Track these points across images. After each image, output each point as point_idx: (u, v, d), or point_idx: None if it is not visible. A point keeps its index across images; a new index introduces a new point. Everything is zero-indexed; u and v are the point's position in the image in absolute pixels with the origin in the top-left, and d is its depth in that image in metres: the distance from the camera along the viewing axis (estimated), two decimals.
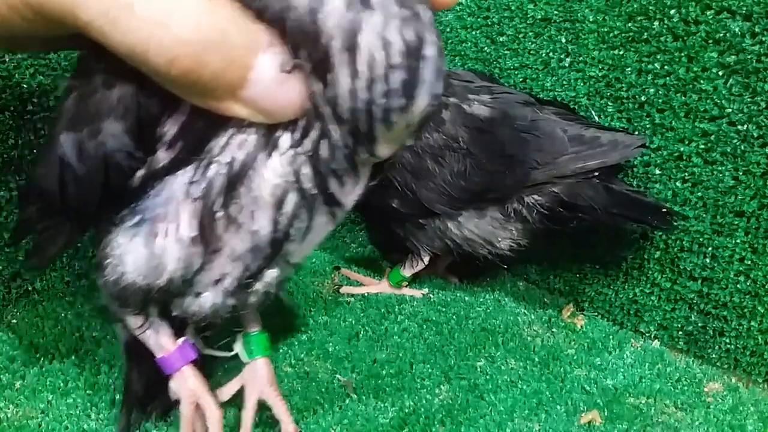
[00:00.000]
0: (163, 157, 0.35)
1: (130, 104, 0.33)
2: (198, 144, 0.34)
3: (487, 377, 0.57)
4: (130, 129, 0.33)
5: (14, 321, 0.58)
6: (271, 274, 0.40)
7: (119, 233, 0.38)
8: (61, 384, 0.50)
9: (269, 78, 0.30)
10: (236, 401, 0.47)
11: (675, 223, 0.63)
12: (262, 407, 0.47)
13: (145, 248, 0.37)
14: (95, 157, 0.34)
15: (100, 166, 0.34)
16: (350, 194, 0.38)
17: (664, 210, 0.62)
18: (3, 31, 0.31)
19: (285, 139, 0.33)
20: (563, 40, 0.69)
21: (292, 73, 0.30)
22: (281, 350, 0.58)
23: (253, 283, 0.40)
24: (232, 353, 0.47)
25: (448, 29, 0.79)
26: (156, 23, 0.27)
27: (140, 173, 0.35)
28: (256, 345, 0.47)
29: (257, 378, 0.46)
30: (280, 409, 0.46)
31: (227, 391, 0.47)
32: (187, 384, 0.43)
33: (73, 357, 0.53)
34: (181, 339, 0.44)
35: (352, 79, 0.30)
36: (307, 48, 0.30)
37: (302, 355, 0.58)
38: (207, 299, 0.39)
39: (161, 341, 0.43)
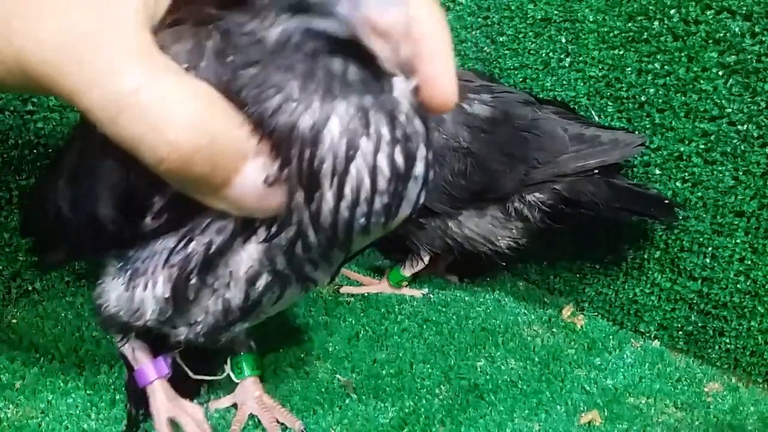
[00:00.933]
0: (149, 223, 0.36)
1: (121, 177, 0.34)
2: (182, 218, 0.35)
3: (487, 377, 0.57)
4: (118, 200, 0.35)
5: (14, 321, 0.58)
6: (241, 326, 0.42)
7: (108, 267, 0.41)
8: (61, 384, 0.50)
9: (251, 185, 0.30)
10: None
11: (678, 217, 0.63)
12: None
13: (126, 292, 0.40)
14: (86, 214, 0.36)
15: (90, 222, 0.36)
16: (324, 274, 0.40)
17: (667, 201, 0.62)
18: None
19: (262, 231, 0.34)
20: (563, 40, 0.69)
21: (275, 184, 0.30)
22: (281, 350, 0.58)
23: (223, 332, 0.42)
24: (223, 375, 0.49)
25: None
26: (152, 126, 0.27)
27: (128, 232, 0.37)
28: (245, 365, 0.49)
29: (247, 395, 0.49)
30: (269, 418, 0.48)
31: (218, 405, 0.49)
32: (155, 398, 0.45)
33: (73, 357, 0.53)
34: (161, 357, 0.46)
35: (336, 201, 0.31)
36: (297, 165, 0.30)
37: (302, 355, 0.58)
38: (181, 332, 0.42)
39: (137, 356, 0.46)
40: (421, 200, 0.33)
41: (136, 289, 0.39)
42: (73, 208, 0.37)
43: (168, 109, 0.27)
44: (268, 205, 0.31)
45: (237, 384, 0.49)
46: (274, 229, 0.33)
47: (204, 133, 0.28)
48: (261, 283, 0.37)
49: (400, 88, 0.31)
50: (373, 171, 0.30)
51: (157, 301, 0.39)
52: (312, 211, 0.31)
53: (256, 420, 0.49)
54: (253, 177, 0.30)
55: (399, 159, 0.31)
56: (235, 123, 0.29)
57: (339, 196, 0.30)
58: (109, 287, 0.42)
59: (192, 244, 0.36)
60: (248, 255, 0.35)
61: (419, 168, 0.32)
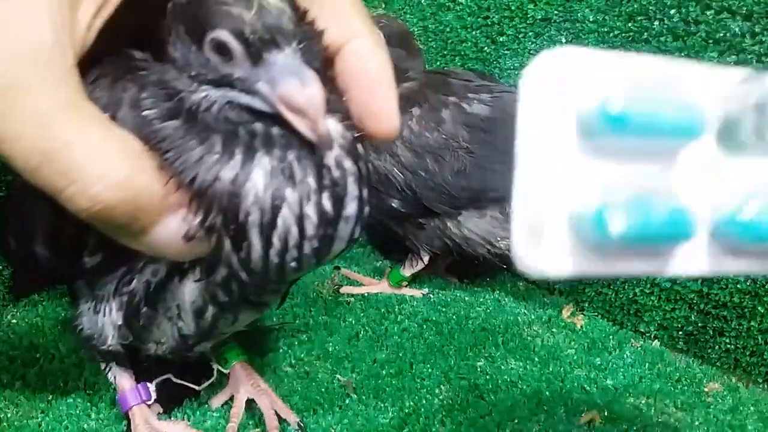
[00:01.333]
0: (88, 261, 0.37)
1: (50, 218, 0.35)
2: (118, 258, 0.36)
3: (487, 377, 0.57)
4: (47, 240, 0.36)
5: (14, 321, 0.58)
6: (204, 346, 0.44)
7: (83, 289, 0.42)
8: (61, 384, 0.50)
9: (171, 235, 0.30)
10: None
11: None
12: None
13: (94, 315, 0.41)
14: (27, 250, 0.37)
15: (32, 258, 0.37)
16: (272, 296, 0.41)
17: None
18: None
19: (194, 271, 0.35)
20: (563, 40, 0.69)
21: (195, 236, 0.30)
22: (281, 350, 0.58)
23: (187, 352, 0.43)
24: (216, 374, 0.50)
25: (448, 29, 0.79)
26: (76, 180, 0.26)
27: (68, 269, 0.38)
28: (229, 354, 0.50)
29: (240, 381, 0.50)
30: (266, 403, 0.48)
31: (217, 402, 0.50)
32: (134, 423, 0.46)
33: (73, 357, 0.53)
34: (141, 384, 0.47)
35: (265, 249, 0.31)
36: (222, 216, 0.30)
37: (302, 355, 0.58)
38: (151, 348, 0.43)
39: (119, 382, 0.47)
40: (356, 235, 0.33)
41: (99, 314, 0.41)
42: (17, 242, 0.38)
43: (95, 166, 0.27)
44: (190, 252, 0.31)
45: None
46: (206, 266, 0.33)
47: (128, 189, 0.27)
48: (209, 315, 0.38)
49: (332, 129, 0.31)
50: (301, 220, 0.30)
51: (114, 327, 0.40)
52: (241, 257, 0.31)
53: (257, 419, 0.49)
54: (172, 227, 0.30)
55: (327, 205, 0.31)
56: (158, 177, 0.29)
57: (267, 245, 0.31)
58: (82, 309, 0.43)
59: (133, 282, 0.37)
60: (189, 291, 0.36)
61: (350, 209, 0.32)
